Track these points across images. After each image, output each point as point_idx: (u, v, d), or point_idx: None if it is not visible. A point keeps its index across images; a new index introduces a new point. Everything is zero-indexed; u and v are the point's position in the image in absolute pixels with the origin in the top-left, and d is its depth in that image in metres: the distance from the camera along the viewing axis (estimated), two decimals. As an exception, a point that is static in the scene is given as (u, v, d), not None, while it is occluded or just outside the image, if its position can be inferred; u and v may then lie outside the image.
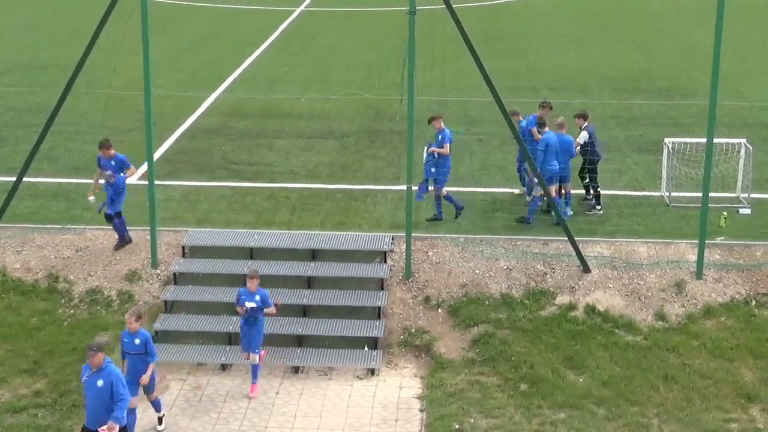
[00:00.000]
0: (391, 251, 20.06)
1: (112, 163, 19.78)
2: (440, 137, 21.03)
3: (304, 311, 18.95)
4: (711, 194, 19.83)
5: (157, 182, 20.13)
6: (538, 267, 19.78)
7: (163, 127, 26.86)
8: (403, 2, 21.10)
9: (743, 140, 23.19)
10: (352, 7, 49.45)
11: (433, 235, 20.65)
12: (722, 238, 20.55)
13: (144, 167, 21.59)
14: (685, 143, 23.18)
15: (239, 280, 18.56)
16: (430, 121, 21.10)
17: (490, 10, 49.65)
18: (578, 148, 21.80)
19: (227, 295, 18.64)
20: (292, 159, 25.55)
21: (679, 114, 29.72)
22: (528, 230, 21.02)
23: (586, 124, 22.06)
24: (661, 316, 18.88)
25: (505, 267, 19.78)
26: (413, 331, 18.70)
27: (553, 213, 20.90)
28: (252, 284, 16.86)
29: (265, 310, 16.99)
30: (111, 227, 20.21)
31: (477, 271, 19.67)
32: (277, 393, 17.22)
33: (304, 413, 16.63)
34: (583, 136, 21.87)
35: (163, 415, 16.23)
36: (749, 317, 18.87)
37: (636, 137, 27.53)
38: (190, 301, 19.07)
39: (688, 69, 35.76)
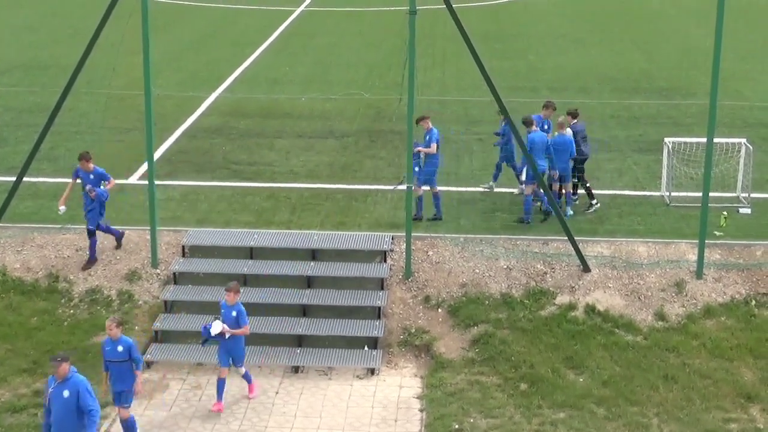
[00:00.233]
0: (391, 251, 20.06)
1: (91, 176, 19.50)
2: (428, 137, 21.20)
3: (304, 311, 18.95)
4: (711, 194, 19.84)
5: (157, 182, 20.14)
6: (538, 267, 19.77)
7: (164, 126, 26.84)
8: (404, 2, 21.08)
9: (743, 140, 23.19)
10: (352, 7, 49.42)
11: (433, 234, 20.66)
12: (720, 233, 20.62)
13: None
14: (685, 143, 23.18)
15: (239, 280, 18.54)
16: (417, 122, 20.81)
17: (490, 10, 49.61)
18: None
19: (227, 294, 18.65)
20: (293, 159, 25.54)
21: (679, 114, 29.72)
22: (528, 230, 21.02)
23: (575, 122, 22.12)
24: (661, 315, 18.88)
25: (505, 267, 19.78)
26: (413, 330, 18.69)
27: (548, 211, 20.96)
28: (230, 297, 16.38)
29: (236, 331, 16.32)
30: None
31: (477, 271, 19.67)
32: (276, 393, 17.22)
33: (303, 413, 16.62)
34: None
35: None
36: (749, 317, 18.86)
37: (636, 137, 27.54)
38: (190, 301, 19.07)
39: (688, 69, 35.75)
